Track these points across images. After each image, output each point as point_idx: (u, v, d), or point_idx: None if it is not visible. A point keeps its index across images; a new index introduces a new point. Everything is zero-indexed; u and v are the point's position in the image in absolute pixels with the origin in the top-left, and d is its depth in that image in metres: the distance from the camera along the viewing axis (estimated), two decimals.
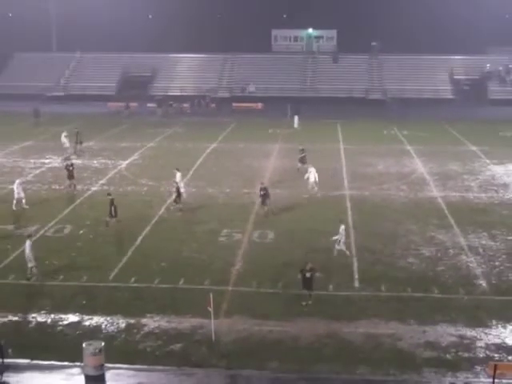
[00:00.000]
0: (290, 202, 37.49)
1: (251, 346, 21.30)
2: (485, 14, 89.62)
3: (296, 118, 63.17)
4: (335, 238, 28.74)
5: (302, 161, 43.27)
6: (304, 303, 23.70)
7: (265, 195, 34.56)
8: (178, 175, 37.52)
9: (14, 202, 35.19)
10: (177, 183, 36.45)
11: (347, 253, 28.76)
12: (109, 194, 33.92)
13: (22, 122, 64.47)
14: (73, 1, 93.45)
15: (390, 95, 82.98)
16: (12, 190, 36.43)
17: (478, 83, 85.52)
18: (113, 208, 32.39)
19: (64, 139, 50.90)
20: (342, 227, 28.82)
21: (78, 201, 37.25)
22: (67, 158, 47.53)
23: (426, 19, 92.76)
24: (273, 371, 20.02)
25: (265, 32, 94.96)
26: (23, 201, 35.21)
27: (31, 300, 24.53)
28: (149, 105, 78.06)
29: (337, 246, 28.76)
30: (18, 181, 36.31)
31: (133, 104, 76.95)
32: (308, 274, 23.97)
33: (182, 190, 36.42)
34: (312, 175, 38.51)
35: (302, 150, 44.42)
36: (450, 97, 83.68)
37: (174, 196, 35.58)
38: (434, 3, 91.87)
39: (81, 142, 50.71)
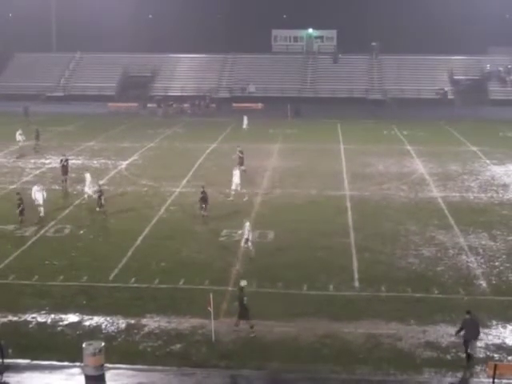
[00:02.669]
0: (291, 202, 37.51)
1: (251, 346, 21.30)
2: (485, 14, 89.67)
3: (245, 119, 62.30)
4: (244, 236, 28.48)
5: (240, 162, 42.76)
6: (253, 335, 21.84)
7: (203, 199, 33.84)
8: (88, 176, 37.18)
9: (41, 208, 33.78)
10: (99, 186, 36.08)
11: (250, 248, 28.52)
12: (17, 194, 33.84)
13: (21, 122, 64.34)
14: (73, 1, 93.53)
15: (390, 95, 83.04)
16: (11, 191, 36.39)
17: (478, 83, 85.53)
18: (21, 207, 32.50)
19: (19, 137, 51.16)
20: (247, 224, 28.56)
21: (78, 201, 37.22)
22: (21, 156, 48.77)
23: (426, 19, 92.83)
24: (273, 371, 20.03)
25: (265, 32, 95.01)
26: (41, 208, 33.71)
27: (31, 300, 24.51)
28: (149, 105, 78.12)
29: (243, 244, 28.65)
30: (35, 187, 34.56)
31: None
32: (245, 300, 21.84)
33: (87, 190, 36.57)
34: (236, 178, 37.76)
35: (241, 151, 43.89)
36: (450, 97, 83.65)
37: (97, 199, 34.98)
38: (434, 3, 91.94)
39: (37, 138, 51.73)
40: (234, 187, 37.86)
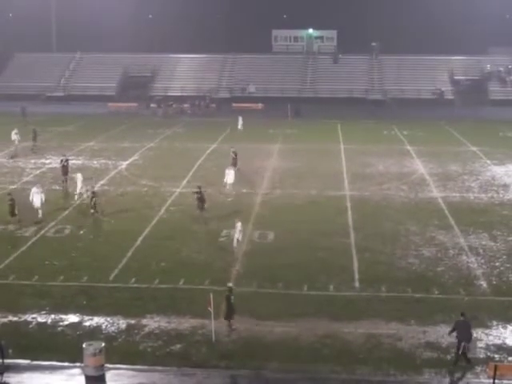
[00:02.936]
0: (291, 202, 37.51)
1: (251, 346, 21.30)
2: (485, 14, 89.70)
3: (240, 119, 61.94)
4: (236, 236, 28.78)
5: (234, 163, 42.84)
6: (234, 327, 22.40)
7: (200, 199, 33.72)
8: (79, 176, 37.13)
9: (40, 211, 33.57)
10: (92, 187, 35.96)
11: (235, 250, 28.78)
12: (9, 194, 33.72)
13: (19, 122, 64.18)
14: (73, 1, 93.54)
15: (390, 95, 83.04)
16: (12, 191, 36.37)
17: (478, 84, 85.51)
18: (16, 208, 32.32)
19: (14, 136, 51.24)
20: (239, 224, 28.80)
21: (79, 201, 37.20)
22: (14, 155, 48.87)
23: (426, 19, 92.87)
24: (273, 371, 20.02)
25: (265, 32, 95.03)
26: (39, 211, 33.56)
27: (31, 300, 24.51)
28: (152, 105, 78.11)
29: (235, 245, 28.88)
30: (33, 189, 34.27)
31: (133, 104, 77.00)
32: (233, 299, 22.13)
33: (81, 190, 36.67)
34: (229, 177, 37.87)
35: (235, 152, 43.98)
36: (451, 97, 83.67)
37: (90, 201, 34.80)
38: (434, 3, 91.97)
39: (34, 139, 52.00)
40: (228, 187, 37.85)
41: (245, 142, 54.44)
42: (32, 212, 33.53)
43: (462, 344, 20.03)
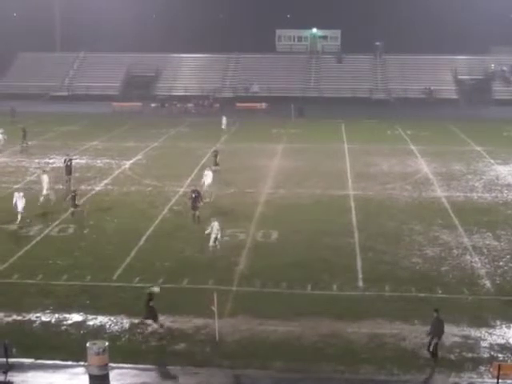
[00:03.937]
0: (295, 201, 37.51)
1: (255, 346, 21.29)
2: (489, 13, 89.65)
3: (224, 119, 62.02)
4: (213, 235, 28.81)
5: (215, 163, 42.90)
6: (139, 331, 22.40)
7: (195, 199, 33.42)
8: (45, 178, 36.57)
9: (19, 216, 32.91)
10: (74, 190, 35.54)
11: (218, 247, 28.96)
12: None
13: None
14: (77, 1, 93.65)
15: (394, 95, 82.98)
16: (15, 191, 36.37)
17: (482, 83, 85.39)
18: None
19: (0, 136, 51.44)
20: (216, 223, 28.88)
21: (82, 201, 37.20)
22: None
23: (430, 19, 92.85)
24: (276, 371, 20.02)
25: (269, 32, 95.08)
26: (18, 216, 32.78)
27: (35, 299, 24.54)
28: (153, 104, 78.22)
29: (211, 244, 28.93)
30: (16, 194, 33.69)
31: (137, 103, 77.08)
32: (152, 303, 22.37)
33: (44, 192, 35.97)
34: (208, 178, 37.37)
35: (215, 151, 44.13)
36: (454, 97, 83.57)
37: (71, 200, 34.38)
38: (438, 3, 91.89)
39: (24, 136, 51.81)
40: (205, 188, 37.10)
41: (248, 142, 54.50)
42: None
43: (434, 341, 20.18)
